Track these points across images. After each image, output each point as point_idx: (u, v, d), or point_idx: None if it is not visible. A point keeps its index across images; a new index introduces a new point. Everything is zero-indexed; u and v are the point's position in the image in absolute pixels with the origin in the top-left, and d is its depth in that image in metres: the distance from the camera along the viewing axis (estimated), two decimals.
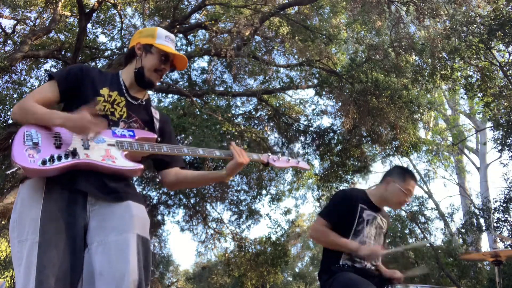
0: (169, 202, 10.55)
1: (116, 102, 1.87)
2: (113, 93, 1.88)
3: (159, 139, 1.92)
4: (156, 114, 2.03)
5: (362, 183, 13.97)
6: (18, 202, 1.65)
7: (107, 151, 1.71)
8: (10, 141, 1.69)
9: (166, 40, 1.98)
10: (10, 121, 6.53)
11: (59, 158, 1.59)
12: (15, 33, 9.31)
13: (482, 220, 8.92)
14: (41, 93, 1.83)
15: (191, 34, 9.72)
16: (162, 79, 2.06)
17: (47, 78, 1.90)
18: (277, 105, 10.06)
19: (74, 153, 1.63)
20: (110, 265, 1.56)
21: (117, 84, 1.93)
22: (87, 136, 1.70)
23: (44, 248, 1.50)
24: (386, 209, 3.04)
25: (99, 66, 9.17)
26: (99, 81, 1.88)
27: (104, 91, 1.85)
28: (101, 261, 1.58)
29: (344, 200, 2.79)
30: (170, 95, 9.90)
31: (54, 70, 9.57)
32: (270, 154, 2.08)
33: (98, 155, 1.67)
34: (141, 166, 1.75)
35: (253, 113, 10.00)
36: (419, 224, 9.95)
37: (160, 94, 9.75)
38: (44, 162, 1.56)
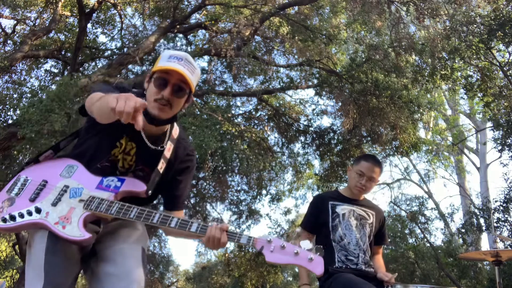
0: None
1: (127, 151, 1.80)
2: (127, 140, 1.78)
3: (149, 192, 1.76)
4: (168, 152, 1.83)
5: None
6: None
7: (71, 210, 1.66)
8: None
9: (169, 60, 1.68)
10: (10, 121, 6.53)
11: (21, 215, 1.65)
12: (15, 33, 9.32)
13: (482, 220, 8.90)
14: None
15: (191, 34, 9.73)
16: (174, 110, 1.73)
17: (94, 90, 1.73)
18: (277, 105, 10.06)
19: (37, 211, 1.66)
20: (117, 267, 1.67)
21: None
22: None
23: (51, 252, 1.59)
24: (382, 205, 3.06)
25: (99, 66, 9.16)
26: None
27: (124, 140, 1.79)
28: (109, 264, 1.69)
29: (314, 204, 2.96)
30: None
31: (55, 70, 9.58)
32: (272, 238, 1.55)
33: (55, 216, 1.64)
34: (87, 237, 1.60)
35: (253, 113, 9.99)
36: (419, 224, 9.94)
37: None
38: (4, 220, 1.65)
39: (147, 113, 1.69)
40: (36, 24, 9.44)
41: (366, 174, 2.82)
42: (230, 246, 11.40)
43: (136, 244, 1.80)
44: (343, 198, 2.91)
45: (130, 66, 8.95)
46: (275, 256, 1.52)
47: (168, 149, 1.82)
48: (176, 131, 1.88)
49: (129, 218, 1.65)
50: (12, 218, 1.64)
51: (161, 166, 1.80)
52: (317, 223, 2.86)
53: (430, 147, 12.58)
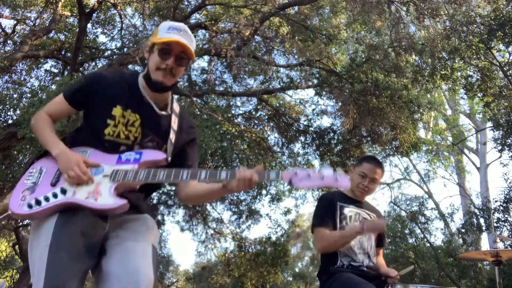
0: (169, 202, 10.55)
1: (130, 123, 1.80)
2: (127, 112, 1.80)
3: (169, 159, 1.81)
4: (174, 124, 1.89)
5: None
6: None
7: (98, 185, 1.67)
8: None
9: (168, 31, 1.78)
10: (10, 121, 6.53)
11: (47, 199, 1.63)
12: (15, 33, 9.32)
13: (482, 220, 8.91)
14: (55, 107, 1.90)
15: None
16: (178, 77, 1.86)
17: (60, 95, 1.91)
18: (277, 105, 10.05)
19: (63, 191, 1.65)
20: (125, 266, 1.62)
21: (134, 95, 1.83)
22: (65, 176, 1.68)
23: (55, 250, 1.54)
24: (377, 206, 3.07)
25: (99, 66, 9.16)
26: (114, 94, 1.80)
27: (117, 111, 1.78)
28: (117, 263, 1.64)
29: (325, 203, 2.89)
30: None
31: (54, 70, 9.58)
32: (298, 170, 1.64)
33: (84, 192, 1.65)
34: (122, 203, 1.64)
35: (253, 113, 9.99)
36: (419, 224, 9.94)
37: None
38: (30, 206, 1.62)
39: (150, 81, 1.80)
40: (36, 24, 9.44)
41: (368, 176, 2.82)
42: (230, 246, 11.41)
43: (146, 242, 1.73)
44: (349, 200, 2.90)
45: (130, 66, 8.93)
46: (304, 183, 1.63)
47: (174, 121, 1.89)
48: (177, 106, 1.95)
49: (159, 180, 1.67)
50: (38, 202, 1.61)
51: (172, 136, 1.86)
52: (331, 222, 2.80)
53: (430, 147, 12.59)
